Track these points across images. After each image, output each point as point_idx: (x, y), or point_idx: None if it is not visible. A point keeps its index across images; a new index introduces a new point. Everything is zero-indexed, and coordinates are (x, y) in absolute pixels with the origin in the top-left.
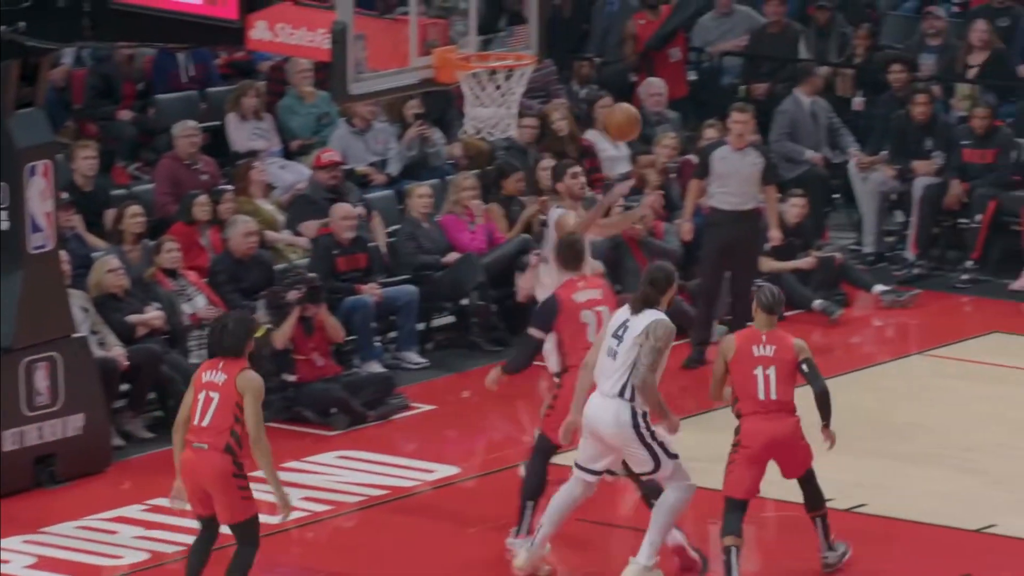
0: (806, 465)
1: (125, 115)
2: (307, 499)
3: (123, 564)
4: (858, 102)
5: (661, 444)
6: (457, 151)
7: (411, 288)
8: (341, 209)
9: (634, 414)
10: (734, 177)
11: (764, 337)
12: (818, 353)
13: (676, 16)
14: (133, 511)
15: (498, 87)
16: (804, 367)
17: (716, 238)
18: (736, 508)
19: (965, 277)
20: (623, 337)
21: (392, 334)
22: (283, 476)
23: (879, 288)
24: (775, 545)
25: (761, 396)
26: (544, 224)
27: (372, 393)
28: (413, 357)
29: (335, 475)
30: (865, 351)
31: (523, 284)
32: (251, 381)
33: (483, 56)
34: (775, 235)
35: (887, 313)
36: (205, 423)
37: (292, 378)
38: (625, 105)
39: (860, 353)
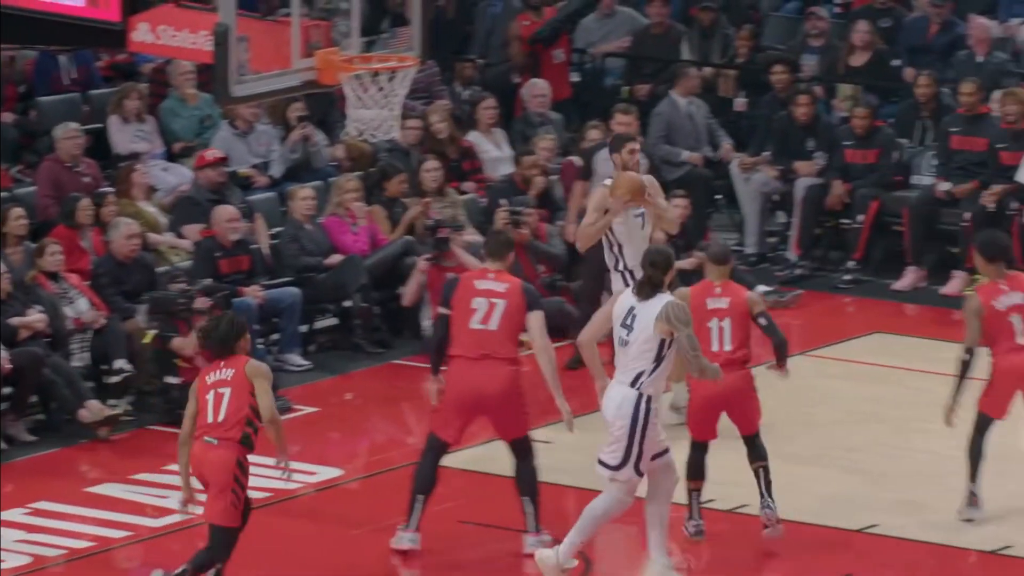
0: (757, 420)
1: (7, 118)
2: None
3: (5, 568)
4: (740, 103)
5: (641, 454)
6: (340, 153)
7: (294, 290)
8: (225, 211)
9: (637, 405)
10: None
11: (718, 289)
12: None
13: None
14: (15, 515)
15: (381, 89)
16: (762, 320)
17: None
18: (696, 449)
19: (847, 277)
20: (632, 326)
21: (275, 336)
22: (165, 479)
23: (761, 288)
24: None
25: (715, 347)
26: (427, 227)
27: None
28: (296, 359)
29: None
30: (748, 351)
31: (409, 288)
32: (258, 367)
33: (366, 58)
34: (657, 235)
35: (770, 313)
36: (220, 418)
37: (175, 380)
38: (628, 175)
39: None
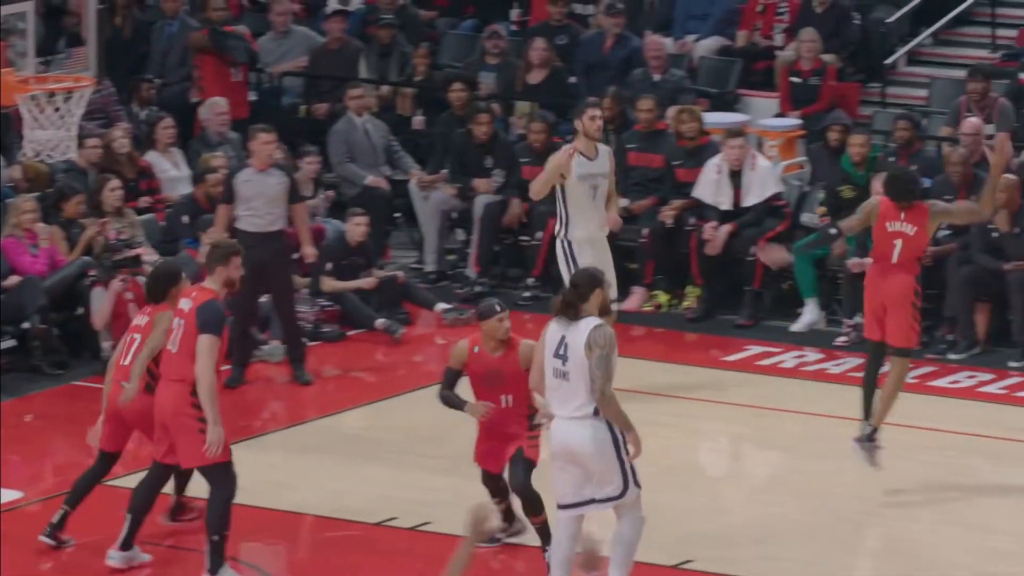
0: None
1: None
2: None
3: None
4: (418, 121)
5: (632, 467)
6: (17, 174)
7: None
8: None
9: (612, 429)
10: (259, 198)
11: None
12: (381, 371)
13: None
14: None
15: (57, 109)
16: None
17: (247, 260)
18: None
19: (527, 294)
20: (567, 356)
21: None
22: None
23: (441, 306)
24: (343, 564)
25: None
26: (111, 247)
27: None
28: None
29: None
30: (428, 369)
31: (102, 310)
32: (162, 315)
33: (42, 78)
34: (308, 252)
35: (450, 331)
36: (126, 361)
37: None
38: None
39: (423, 371)
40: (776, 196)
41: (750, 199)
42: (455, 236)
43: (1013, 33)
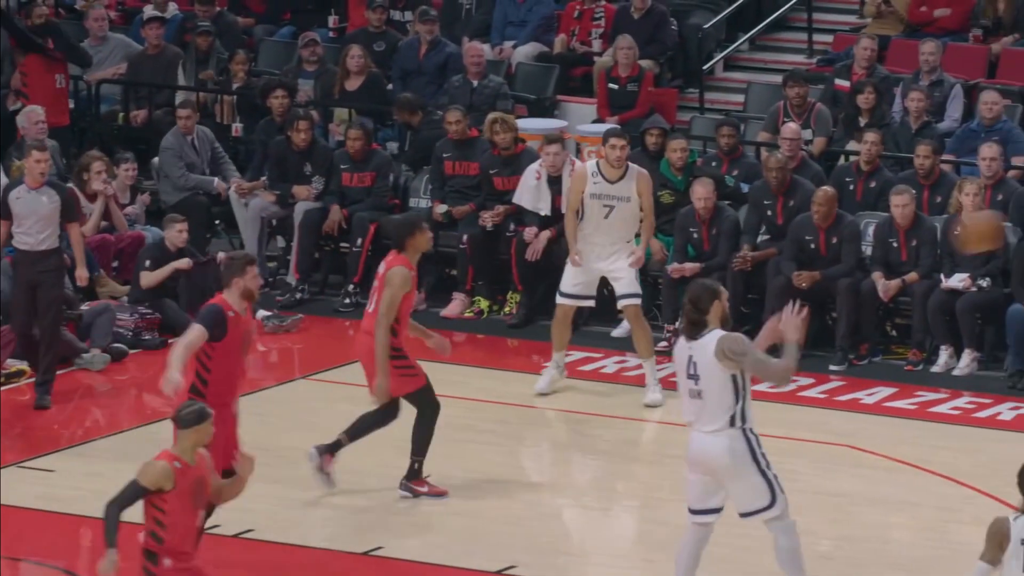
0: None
1: None
2: None
3: None
4: (237, 128)
5: (776, 476)
6: None
7: None
8: None
9: (748, 441)
10: (31, 217)
11: None
12: None
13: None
14: None
15: None
16: None
17: (21, 278)
18: None
19: (347, 301)
20: (698, 374)
21: None
22: None
23: (262, 313)
24: None
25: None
26: None
27: None
28: None
29: None
30: (249, 376)
31: None
32: (394, 272)
33: None
34: (81, 275)
35: (271, 338)
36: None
37: None
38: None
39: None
40: None
41: None
42: (275, 243)
43: (829, 39)
